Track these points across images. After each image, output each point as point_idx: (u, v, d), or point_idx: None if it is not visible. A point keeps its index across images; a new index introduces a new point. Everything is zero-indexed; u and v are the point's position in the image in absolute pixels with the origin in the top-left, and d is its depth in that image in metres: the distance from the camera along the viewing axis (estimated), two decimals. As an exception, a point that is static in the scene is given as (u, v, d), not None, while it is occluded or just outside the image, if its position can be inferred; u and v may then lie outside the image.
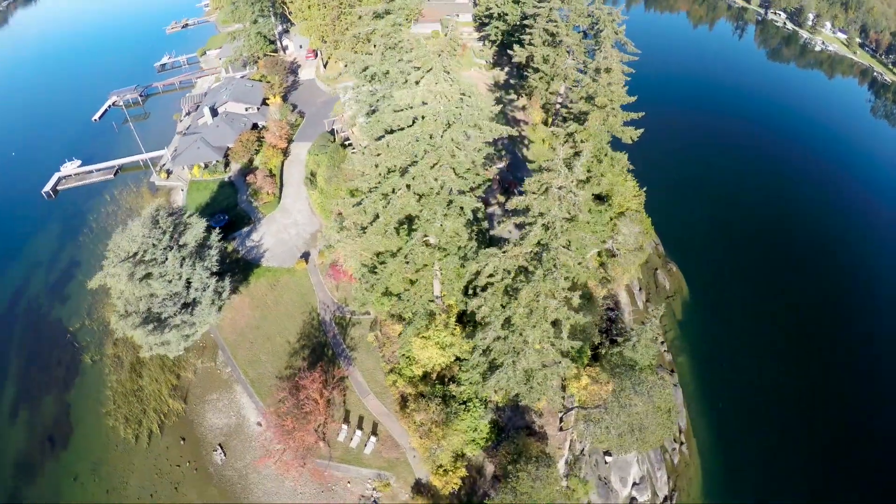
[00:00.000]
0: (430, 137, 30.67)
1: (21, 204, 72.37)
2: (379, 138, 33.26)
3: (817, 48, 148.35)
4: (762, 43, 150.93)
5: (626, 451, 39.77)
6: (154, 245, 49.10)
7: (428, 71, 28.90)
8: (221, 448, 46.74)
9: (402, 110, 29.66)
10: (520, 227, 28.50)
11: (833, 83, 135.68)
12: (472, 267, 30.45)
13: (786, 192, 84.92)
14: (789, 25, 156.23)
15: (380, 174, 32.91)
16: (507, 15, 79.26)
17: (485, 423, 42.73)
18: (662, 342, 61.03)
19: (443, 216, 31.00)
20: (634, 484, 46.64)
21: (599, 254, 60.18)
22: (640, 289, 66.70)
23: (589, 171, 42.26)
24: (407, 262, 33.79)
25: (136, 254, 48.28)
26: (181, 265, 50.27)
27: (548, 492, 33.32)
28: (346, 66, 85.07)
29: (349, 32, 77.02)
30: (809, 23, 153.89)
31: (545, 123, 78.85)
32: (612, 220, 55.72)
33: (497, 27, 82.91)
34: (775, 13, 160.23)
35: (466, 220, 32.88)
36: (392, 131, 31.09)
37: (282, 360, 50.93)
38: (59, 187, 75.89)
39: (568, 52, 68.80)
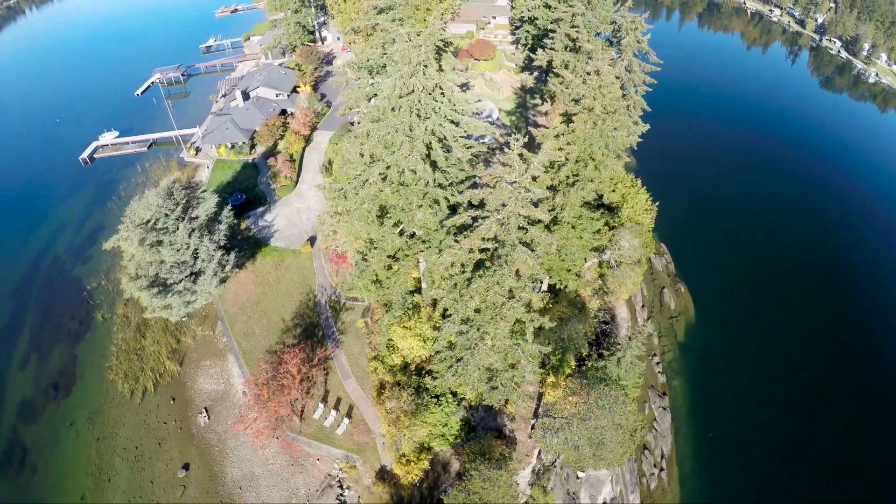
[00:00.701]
0: (411, 129, 32.31)
1: (59, 168, 78.43)
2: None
3: (871, 80, 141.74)
4: (814, 70, 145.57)
5: (583, 465, 39.31)
6: (167, 215, 52.59)
7: (406, 64, 30.55)
8: (206, 411, 49.65)
9: (382, 100, 31.42)
10: (474, 219, 29.58)
11: (885, 117, 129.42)
12: (431, 258, 31.73)
13: (815, 224, 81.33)
14: (843, 54, 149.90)
15: (364, 162, 34.72)
16: (537, 19, 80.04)
17: (456, 420, 43.76)
18: (658, 363, 60.26)
19: (417, 207, 32.42)
20: (604, 503, 46.59)
21: (601, 264, 60.15)
22: (643, 305, 66.13)
23: (576, 175, 42.45)
24: (375, 248, 35.41)
25: (149, 221, 51.84)
26: (189, 236, 53.66)
27: (498, 494, 33.98)
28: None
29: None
30: (864, 53, 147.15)
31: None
32: (610, 229, 55.38)
33: (528, 31, 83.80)
34: (830, 40, 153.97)
35: (446, 215, 34.17)
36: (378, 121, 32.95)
37: (274, 335, 53.48)
38: (95, 155, 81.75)
39: (589, 58, 68.95)
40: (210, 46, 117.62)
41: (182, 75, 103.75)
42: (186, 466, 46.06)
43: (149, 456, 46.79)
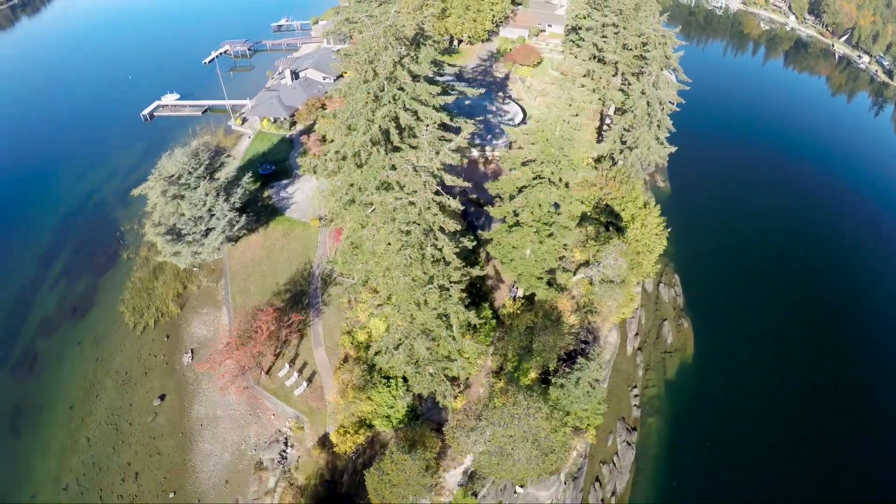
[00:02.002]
0: (372, 113, 35.59)
1: (121, 121, 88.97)
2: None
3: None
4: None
5: (492, 474, 38.80)
6: (190, 172, 59.23)
7: (366, 52, 33.89)
8: (192, 353, 55.62)
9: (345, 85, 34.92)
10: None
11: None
12: (362, 233, 34.69)
13: (860, 297, 72.77)
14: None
15: (343, 143, 38.47)
16: (580, 29, 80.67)
17: (402, 405, 45.95)
18: (637, 395, 59.27)
19: (375, 189, 35.61)
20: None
21: (591, 282, 60.33)
22: (637, 334, 65.38)
23: (538, 176, 42.80)
24: (331, 221, 38.91)
25: (173, 176, 58.67)
26: (207, 194, 60.06)
27: (402, 478, 36.02)
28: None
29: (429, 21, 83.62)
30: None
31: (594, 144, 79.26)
32: (598, 244, 55.50)
33: (573, 41, 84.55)
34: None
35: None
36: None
37: (266, 296, 58.59)
38: (155, 113, 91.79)
39: (616, 70, 69.22)
40: (281, 25, 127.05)
41: (249, 50, 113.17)
42: (162, 397, 52.11)
43: (134, 382, 53.32)
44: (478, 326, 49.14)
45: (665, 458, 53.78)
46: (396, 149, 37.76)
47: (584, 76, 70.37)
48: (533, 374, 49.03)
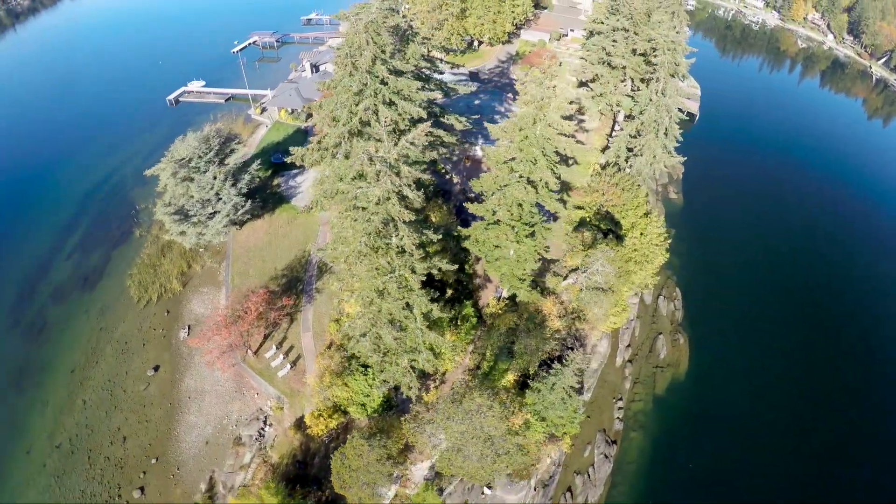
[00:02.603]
0: (356, 105, 37.07)
1: (148, 104, 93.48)
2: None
3: None
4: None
5: (439, 468, 39.23)
6: (200, 157, 62.16)
7: (349, 46, 35.33)
8: (188, 328, 58.30)
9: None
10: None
11: None
12: (333, 221, 35.96)
13: (860, 313, 70.19)
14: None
15: (325, 133, 40.08)
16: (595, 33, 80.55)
17: (378, 394, 47.26)
18: (621, 408, 57.66)
19: (350, 179, 36.93)
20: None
21: (588, 286, 60.07)
22: (629, 345, 64.40)
23: (515, 172, 42.90)
24: (310, 209, 40.48)
25: (184, 158, 61.64)
26: (215, 178, 62.85)
27: (359, 463, 37.26)
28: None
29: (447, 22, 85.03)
30: None
31: (603, 150, 79.13)
32: (585, 250, 55.49)
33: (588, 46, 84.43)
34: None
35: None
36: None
37: (263, 279, 60.85)
38: (181, 99, 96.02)
39: (623, 76, 68.79)
40: (311, 19, 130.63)
41: (276, 42, 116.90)
42: (156, 368, 54.90)
43: (132, 352, 56.33)
44: (458, 322, 50.26)
45: (644, 476, 52.00)
46: (378, 141, 39.31)
47: (592, 80, 70.36)
48: (511, 377, 49.32)
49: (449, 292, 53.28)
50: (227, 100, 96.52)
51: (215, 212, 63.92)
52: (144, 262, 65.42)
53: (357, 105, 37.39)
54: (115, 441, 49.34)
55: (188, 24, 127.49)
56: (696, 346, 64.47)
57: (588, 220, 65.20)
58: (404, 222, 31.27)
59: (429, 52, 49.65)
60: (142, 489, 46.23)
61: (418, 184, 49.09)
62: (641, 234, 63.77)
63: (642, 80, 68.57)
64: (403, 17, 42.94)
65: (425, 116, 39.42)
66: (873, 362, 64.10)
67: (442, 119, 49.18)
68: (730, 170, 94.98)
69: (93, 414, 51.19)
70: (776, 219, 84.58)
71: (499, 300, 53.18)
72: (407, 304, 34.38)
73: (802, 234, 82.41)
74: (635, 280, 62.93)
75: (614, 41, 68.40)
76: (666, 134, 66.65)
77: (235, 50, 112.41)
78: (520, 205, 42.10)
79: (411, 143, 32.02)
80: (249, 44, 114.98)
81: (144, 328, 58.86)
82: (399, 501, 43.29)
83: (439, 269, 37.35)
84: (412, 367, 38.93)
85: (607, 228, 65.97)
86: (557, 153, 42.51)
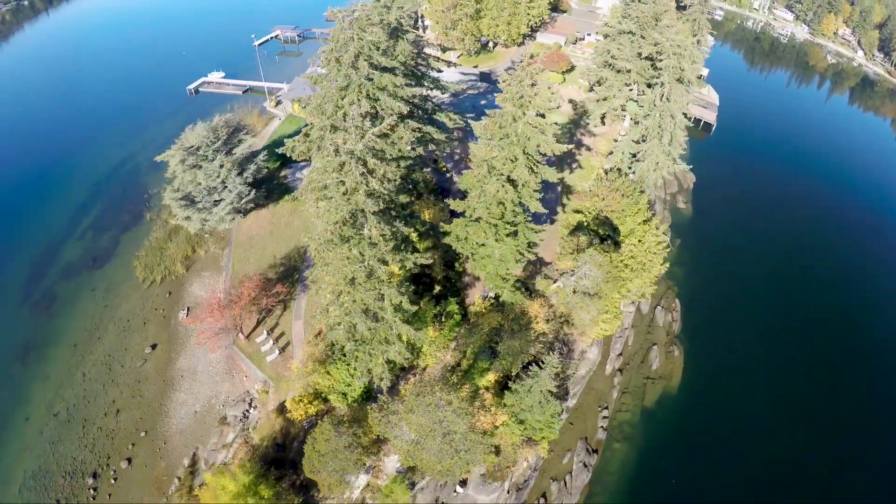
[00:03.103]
0: (342, 100, 38.29)
1: (169, 93, 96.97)
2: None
3: None
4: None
5: (400, 459, 39.89)
6: (208, 145, 64.50)
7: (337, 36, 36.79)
8: (188, 310, 60.56)
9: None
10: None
11: None
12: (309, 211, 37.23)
13: (870, 340, 67.12)
14: None
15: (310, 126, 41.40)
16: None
17: (359, 384, 48.23)
18: (606, 417, 56.64)
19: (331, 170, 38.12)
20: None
21: (575, 290, 60.00)
22: (620, 354, 63.16)
23: (493, 169, 43.16)
24: (294, 199, 41.85)
25: (192, 146, 64.04)
26: (222, 167, 65.09)
27: (326, 447, 38.63)
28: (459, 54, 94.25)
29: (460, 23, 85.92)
30: None
31: (608, 155, 78.79)
32: (573, 253, 55.65)
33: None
34: None
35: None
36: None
37: (261, 267, 62.74)
38: (200, 89, 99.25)
39: (629, 80, 68.38)
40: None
41: (298, 36, 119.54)
42: (154, 346, 57.26)
43: (133, 330, 58.85)
44: (442, 318, 51.10)
45: (623, 488, 50.85)
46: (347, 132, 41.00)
47: (598, 84, 70.27)
48: (492, 377, 49.61)
49: (437, 289, 54.21)
50: (244, 91, 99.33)
51: (220, 199, 66.18)
52: (152, 244, 68.12)
53: (343, 99, 38.77)
54: (109, 413, 51.74)
55: (216, 17, 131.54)
56: (691, 361, 62.66)
57: (586, 224, 65.22)
58: (372, 213, 32.32)
59: (420, 50, 50.33)
60: (129, 460, 48.43)
61: (407, 179, 50.46)
62: (640, 241, 63.46)
63: (648, 85, 68.08)
64: (400, 17, 43.95)
65: (405, 112, 40.40)
66: (880, 397, 60.98)
67: (434, 116, 50.06)
68: (744, 183, 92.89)
69: (91, 387, 53.74)
70: (789, 238, 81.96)
71: (485, 299, 53.76)
72: (382, 294, 35.40)
73: (815, 255, 79.32)
74: (631, 288, 62.66)
75: (620, 45, 68.16)
76: (670, 140, 66.08)
77: (257, 43, 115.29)
78: (501, 203, 42.60)
79: (378, 137, 33.02)
80: (272, 37, 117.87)
81: (146, 308, 61.38)
82: (370, 492, 44.39)
83: (415, 264, 38.21)
84: (386, 359, 39.90)
85: (605, 234, 65.91)
86: (542, 153, 42.80)
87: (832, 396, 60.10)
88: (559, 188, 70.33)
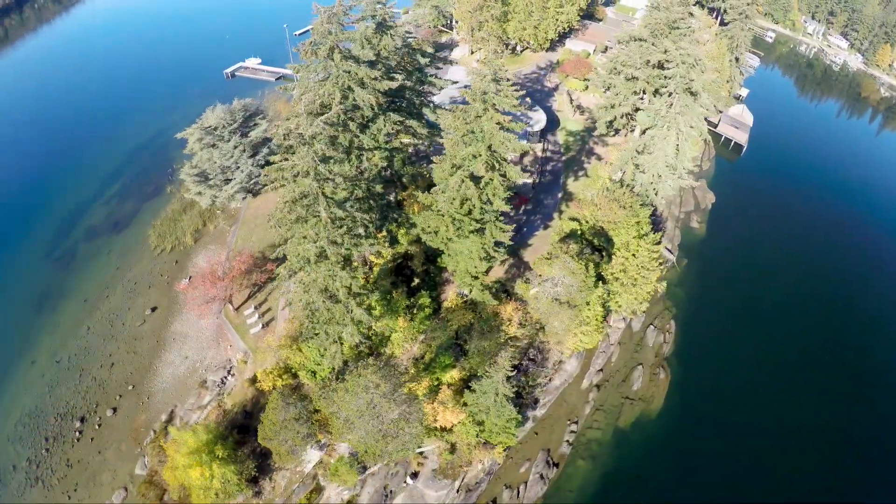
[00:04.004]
0: (320, 89, 41.16)
1: (207, 75, 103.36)
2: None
3: None
4: None
5: (337, 439, 41.82)
6: (224, 126, 68.95)
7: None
8: (189, 279, 64.99)
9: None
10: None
11: None
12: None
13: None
14: None
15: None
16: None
17: (328, 364, 50.12)
18: (573, 431, 54.55)
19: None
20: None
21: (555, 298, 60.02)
22: (601, 370, 61.07)
23: (458, 165, 43.85)
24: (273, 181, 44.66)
25: (210, 126, 68.64)
26: (235, 147, 69.41)
27: (281, 424, 41.38)
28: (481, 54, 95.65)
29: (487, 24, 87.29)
30: None
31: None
32: (549, 260, 55.78)
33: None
34: None
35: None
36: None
37: (262, 245, 66.19)
38: (237, 73, 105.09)
39: (638, 89, 67.68)
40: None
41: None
42: (154, 309, 62.01)
43: (138, 292, 63.87)
44: (414, 311, 52.96)
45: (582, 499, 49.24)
46: (345, 125, 43.43)
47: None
48: (455, 374, 50.22)
49: (416, 281, 56.14)
50: (277, 78, 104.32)
51: (231, 178, 70.53)
52: (167, 215, 73.34)
53: (320, 90, 41.43)
54: (105, 365, 56.61)
55: (262, 8, 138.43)
56: (676, 386, 59.33)
57: (580, 232, 65.29)
58: (325, 196, 34.66)
59: (408, 45, 52.43)
60: (115, 410, 52.99)
61: (388, 170, 52.60)
62: (633, 255, 62.78)
63: (655, 94, 67.00)
64: (385, 13, 46.19)
65: (374, 104, 42.63)
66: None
67: (421, 110, 51.99)
68: (767, 210, 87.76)
69: (92, 339, 58.89)
70: (805, 277, 75.07)
71: (460, 296, 55.11)
72: (334, 275, 37.73)
73: (831, 302, 71.84)
74: (621, 303, 62.21)
75: (630, 51, 67.51)
76: (675, 153, 64.86)
77: (298, 33, 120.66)
78: (466, 199, 43.81)
79: (325, 124, 35.39)
80: (310, 29, 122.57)
81: (153, 273, 66.38)
82: (322, 468, 46.76)
83: (381, 253, 40.23)
84: (339, 339, 42.21)
85: (600, 244, 65.75)
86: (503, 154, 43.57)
87: (827, 457, 54.91)
88: (559, 195, 70.66)
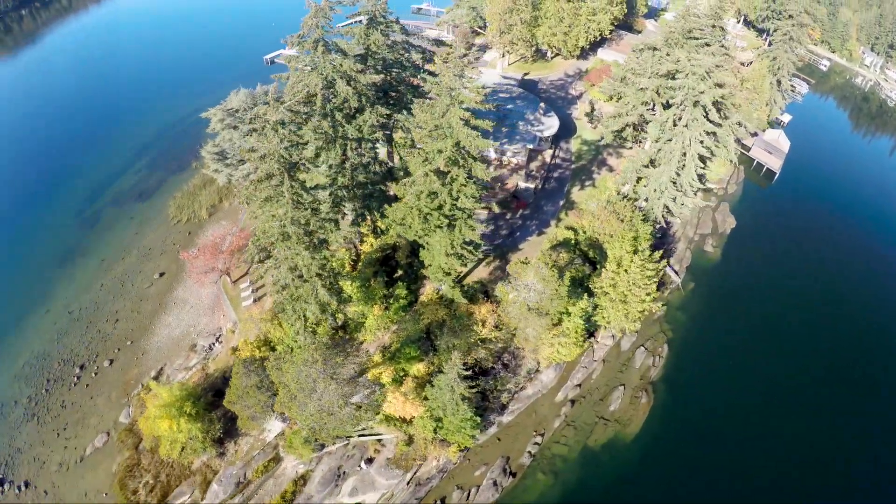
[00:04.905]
0: (307, 79, 44.49)
1: (247, 60, 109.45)
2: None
3: None
4: None
5: (279, 409, 44.37)
6: (245, 110, 73.61)
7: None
8: (197, 249, 70.01)
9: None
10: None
11: None
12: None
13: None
14: None
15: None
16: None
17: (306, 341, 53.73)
18: (538, 444, 53.32)
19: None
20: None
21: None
22: (579, 385, 59.21)
23: (427, 158, 45.84)
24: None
25: (232, 108, 73.53)
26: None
27: (243, 390, 44.69)
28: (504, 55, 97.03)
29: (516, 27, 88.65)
30: None
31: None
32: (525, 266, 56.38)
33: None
34: None
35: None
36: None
37: (267, 227, 70.78)
38: (276, 60, 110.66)
39: (647, 99, 67.11)
40: (421, 9, 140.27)
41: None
42: (162, 274, 67.34)
43: (150, 257, 69.45)
44: (390, 301, 55.32)
45: None
46: (331, 113, 46.69)
47: (611, 99, 69.74)
48: (422, 367, 51.51)
49: (399, 273, 58.51)
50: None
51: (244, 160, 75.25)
52: (188, 189, 79.00)
53: (306, 80, 44.54)
54: (110, 320, 62.09)
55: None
56: (657, 413, 56.42)
57: (575, 242, 65.59)
58: (290, 178, 37.62)
59: (406, 42, 55.11)
60: (111, 361, 58.18)
61: (374, 161, 55.10)
62: (625, 270, 62.20)
63: (663, 105, 66.13)
64: (377, 9, 48.87)
65: (351, 95, 45.41)
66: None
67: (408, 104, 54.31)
68: (791, 243, 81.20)
69: (103, 296, 64.64)
70: (817, 323, 68.03)
71: (437, 292, 56.89)
72: (296, 255, 40.76)
73: (846, 357, 63.93)
74: (610, 318, 61.45)
75: (641, 60, 67.00)
76: (681, 169, 63.87)
77: (341, 26, 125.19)
78: (433, 193, 45.58)
79: (289, 111, 38.37)
80: (356, 21, 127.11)
81: (167, 242, 71.83)
82: (283, 440, 49.79)
83: (362, 240, 42.78)
84: (304, 317, 45.11)
85: (594, 257, 65.76)
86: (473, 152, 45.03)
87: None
88: (561, 202, 71.21)
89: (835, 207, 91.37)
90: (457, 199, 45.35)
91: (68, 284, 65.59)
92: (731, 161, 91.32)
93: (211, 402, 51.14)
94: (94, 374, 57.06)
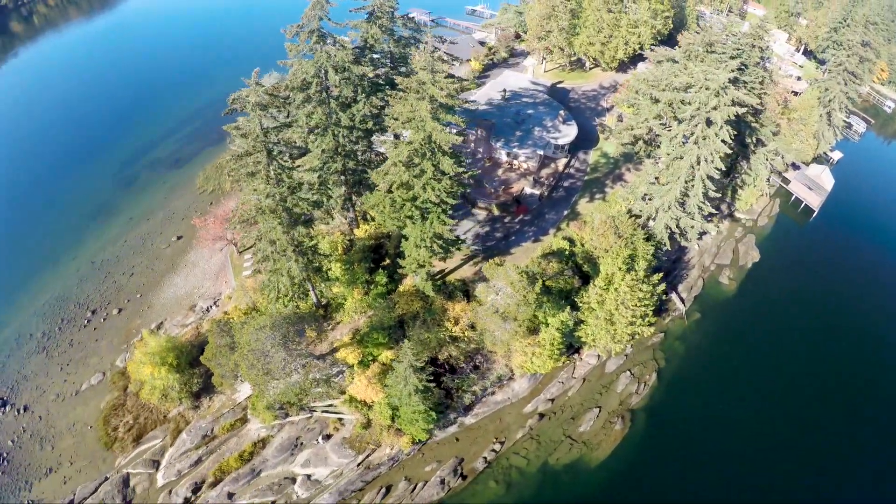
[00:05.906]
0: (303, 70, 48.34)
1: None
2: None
3: None
4: None
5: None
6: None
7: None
8: (208, 217, 75.76)
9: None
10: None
11: None
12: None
13: None
14: None
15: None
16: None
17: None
18: (496, 451, 52.94)
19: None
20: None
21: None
22: (552, 400, 58.13)
23: (411, 159, 47.58)
24: None
25: (263, 91, 78.74)
26: (281, 113, 79.09)
27: (218, 351, 48.93)
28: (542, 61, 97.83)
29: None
30: None
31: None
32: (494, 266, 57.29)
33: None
34: None
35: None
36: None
37: (281, 205, 75.58)
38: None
39: (659, 113, 66.31)
40: (475, 10, 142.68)
41: (431, 21, 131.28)
42: (179, 237, 73.43)
43: (172, 221, 75.89)
44: (370, 287, 58.20)
45: None
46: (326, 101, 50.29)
47: (630, 107, 69.12)
48: (390, 355, 53.21)
49: (387, 262, 61.33)
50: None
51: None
52: (217, 162, 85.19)
53: (302, 68, 48.27)
54: (126, 274, 68.59)
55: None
56: (630, 442, 54.35)
57: (571, 254, 65.83)
58: (269, 155, 41.35)
59: (414, 36, 57.90)
60: (120, 310, 64.40)
61: (367, 150, 58.10)
62: (615, 289, 61.55)
63: (674, 119, 64.53)
64: (377, 5, 51.86)
65: (338, 83, 48.72)
66: None
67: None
68: (814, 288, 75.22)
69: (124, 251, 71.39)
70: (834, 382, 62.52)
71: (415, 283, 58.91)
72: (273, 229, 44.48)
73: (855, 430, 57.86)
74: (595, 337, 60.93)
75: (658, 72, 66.02)
76: (689, 188, 62.44)
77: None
78: (406, 184, 47.90)
79: (267, 94, 41.88)
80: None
81: (190, 209, 78.04)
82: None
83: (357, 224, 45.89)
84: (276, 288, 48.83)
85: (588, 271, 65.69)
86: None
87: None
88: (565, 212, 71.62)
89: (871, 256, 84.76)
90: (425, 191, 47.54)
91: (97, 237, 72.86)
92: (763, 192, 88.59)
93: (195, 358, 55.78)
94: (102, 320, 63.38)
